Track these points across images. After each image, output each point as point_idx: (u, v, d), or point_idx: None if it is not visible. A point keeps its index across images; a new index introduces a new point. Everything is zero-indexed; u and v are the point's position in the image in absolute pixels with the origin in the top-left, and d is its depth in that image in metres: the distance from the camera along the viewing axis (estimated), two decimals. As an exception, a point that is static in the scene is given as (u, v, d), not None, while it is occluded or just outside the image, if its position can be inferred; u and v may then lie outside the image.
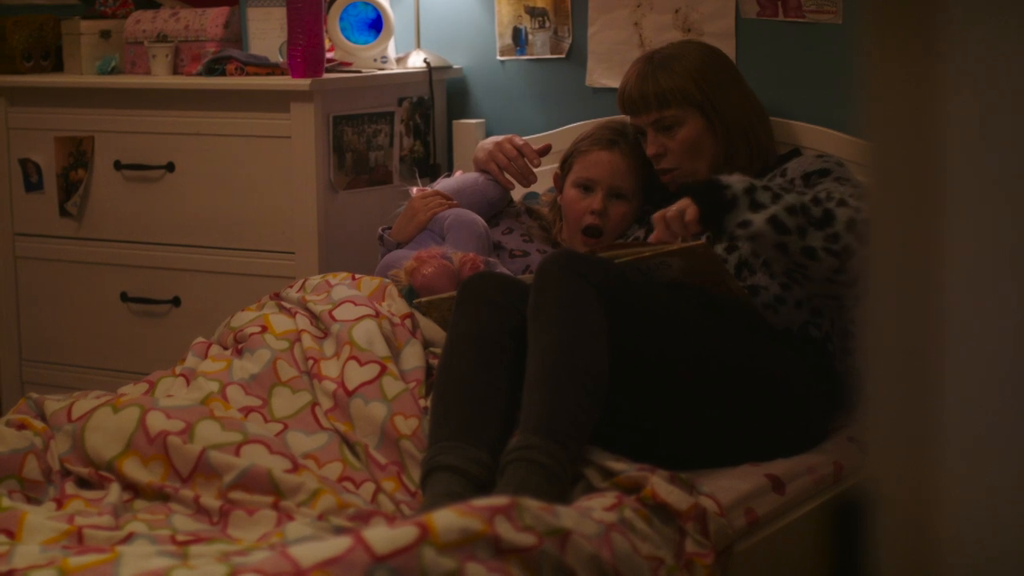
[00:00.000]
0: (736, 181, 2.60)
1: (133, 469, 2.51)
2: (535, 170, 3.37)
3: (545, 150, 3.37)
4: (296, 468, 2.47)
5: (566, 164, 3.19)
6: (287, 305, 2.96)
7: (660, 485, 2.29)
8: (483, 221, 3.25)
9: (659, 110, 3.00)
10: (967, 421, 0.96)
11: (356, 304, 2.87)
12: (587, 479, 2.38)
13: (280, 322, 2.87)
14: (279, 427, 2.65)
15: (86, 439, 2.57)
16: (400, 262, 3.09)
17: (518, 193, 3.47)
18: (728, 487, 2.47)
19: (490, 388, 2.49)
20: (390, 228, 3.30)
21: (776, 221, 2.57)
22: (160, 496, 2.47)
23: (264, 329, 2.85)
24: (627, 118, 3.14)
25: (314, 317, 2.89)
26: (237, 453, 2.49)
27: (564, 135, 3.47)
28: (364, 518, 2.30)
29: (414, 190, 3.37)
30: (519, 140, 3.39)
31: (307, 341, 2.81)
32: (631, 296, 2.53)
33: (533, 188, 3.45)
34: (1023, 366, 0.97)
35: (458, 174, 3.48)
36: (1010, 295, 0.96)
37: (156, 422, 2.55)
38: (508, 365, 2.51)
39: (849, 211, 2.59)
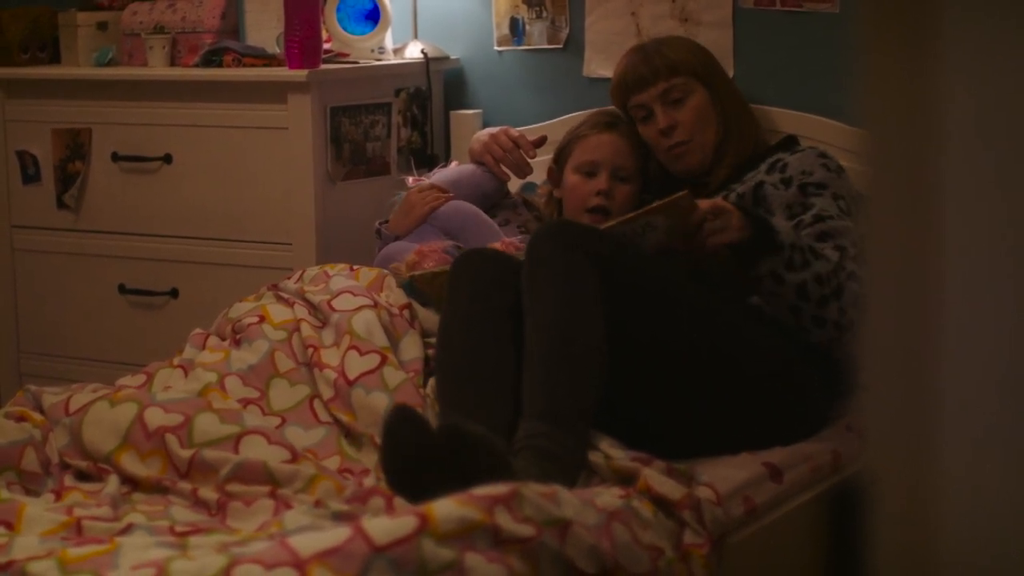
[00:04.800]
0: (784, 231, 2.62)
1: (131, 463, 2.51)
2: (531, 161, 3.37)
3: (540, 141, 3.37)
4: (295, 458, 2.48)
5: (563, 153, 3.19)
6: (285, 295, 2.96)
7: (653, 477, 2.29)
8: (481, 211, 3.25)
9: (668, 79, 3.05)
10: (964, 411, 0.96)
11: (355, 294, 2.87)
12: (591, 462, 2.38)
13: (278, 312, 2.87)
14: (277, 421, 2.65)
15: (83, 433, 2.57)
16: (400, 254, 3.09)
17: (515, 184, 3.47)
18: (726, 476, 2.47)
19: (497, 364, 2.50)
20: (386, 222, 3.30)
21: (803, 289, 2.62)
22: (158, 489, 2.47)
23: (262, 319, 2.85)
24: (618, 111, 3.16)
25: (312, 307, 2.89)
26: (236, 445, 2.49)
27: (561, 125, 3.47)
28: (362, 499, 2.29)
29: (410, 180, 3.37)
30: (514, 132, 3.39)
31: (306, 330, 2.81)
32: (625, 273, 2.53)
33: (529, 179, 3.45)
34: (1020, 359, 0.97)
35: (454, 165, 3.48)
36: (1007, 287, 0.96)
37: (154, 418, 2.55)
38: (507, 340, 2.52)
39: (856, 285, 2.65)
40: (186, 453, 2.48)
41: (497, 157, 3.35)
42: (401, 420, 2.22)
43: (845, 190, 2.85)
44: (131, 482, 2.51)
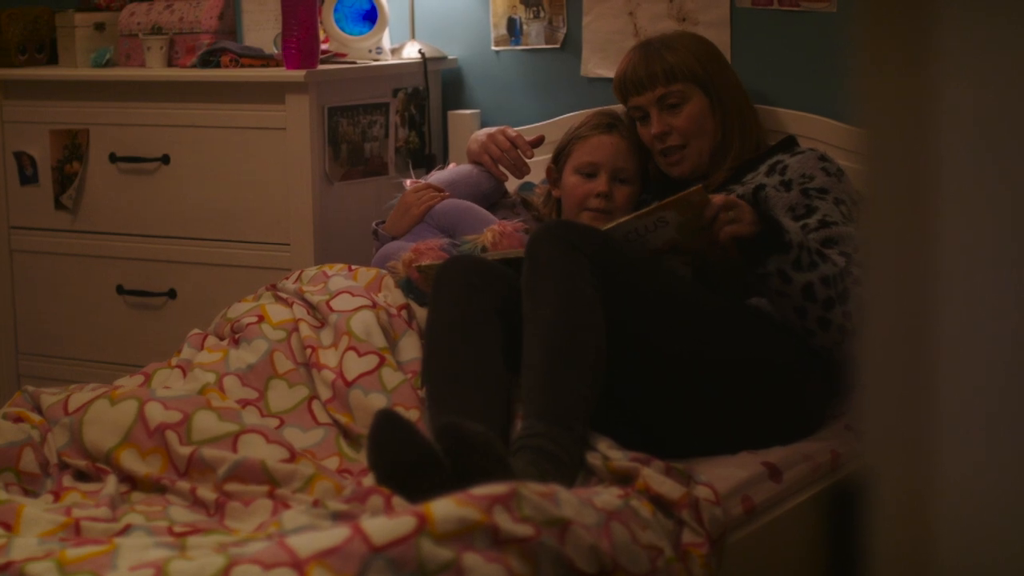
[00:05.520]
0: (792, 231, 2.59)
1: (131, 461, 2.51)
2: (528, 161, 3.37)
3: (538, 141, 3.38)
4: (294, 457, 2.47)
5: (562, 154, 3.18)
6: (283, 295, 2.96)
7: (652, 477, 2.29)
8: (476, 205, 3.25)
9: (666, 85, 3.03)
10: (962, 410, 0.96)
11: (353, 295, 2.87)
12: (589, 463, 2.38)
13: (277, 312, 2.87)
14: (276, 422, 2.65)
15: (84, 432, 2.57)
16: (397, 253, 3.09)
17: (512, 184, 3.47)
18: (725, 475, 2.47)
19: (485, 367, 2.50)
20: (383, 222, 3.30)
21: (810, 290, 2.59)
22: (157, 488, 2.47)
23: (261, 319, 2.85)
24: (620, 107, 3.15)
25: (311, 307, 2.89)
26: (234, 443, 2.49)
27: (559, 125, 3.47)
28: (361, 499, 2.29)
29: (407, 182, 3.37)
30: (512, 131, 3.39)
31: (304, 330, 2.81)
32: (625, 273, 2.53)
33: (527, 179, 3.45)
34: (1019, 358, 0.97)
35: (451, 166, 3.48)
36: (1006, 283, 0.96)
37: (154, 414, 2.55)
38: (496, 344, 2.52)
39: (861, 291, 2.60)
40: (185, 451, 2.48)
41: (495, 157, 3.35)
42: (385, 424, 2.21)
43: (846, 194, 2.85)
44: (130, 481, 2.50)
